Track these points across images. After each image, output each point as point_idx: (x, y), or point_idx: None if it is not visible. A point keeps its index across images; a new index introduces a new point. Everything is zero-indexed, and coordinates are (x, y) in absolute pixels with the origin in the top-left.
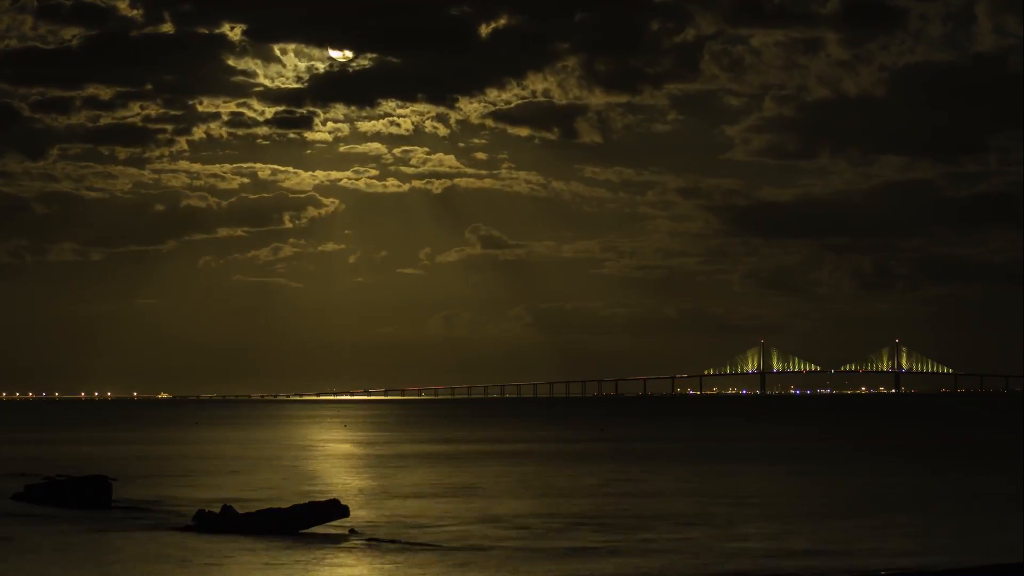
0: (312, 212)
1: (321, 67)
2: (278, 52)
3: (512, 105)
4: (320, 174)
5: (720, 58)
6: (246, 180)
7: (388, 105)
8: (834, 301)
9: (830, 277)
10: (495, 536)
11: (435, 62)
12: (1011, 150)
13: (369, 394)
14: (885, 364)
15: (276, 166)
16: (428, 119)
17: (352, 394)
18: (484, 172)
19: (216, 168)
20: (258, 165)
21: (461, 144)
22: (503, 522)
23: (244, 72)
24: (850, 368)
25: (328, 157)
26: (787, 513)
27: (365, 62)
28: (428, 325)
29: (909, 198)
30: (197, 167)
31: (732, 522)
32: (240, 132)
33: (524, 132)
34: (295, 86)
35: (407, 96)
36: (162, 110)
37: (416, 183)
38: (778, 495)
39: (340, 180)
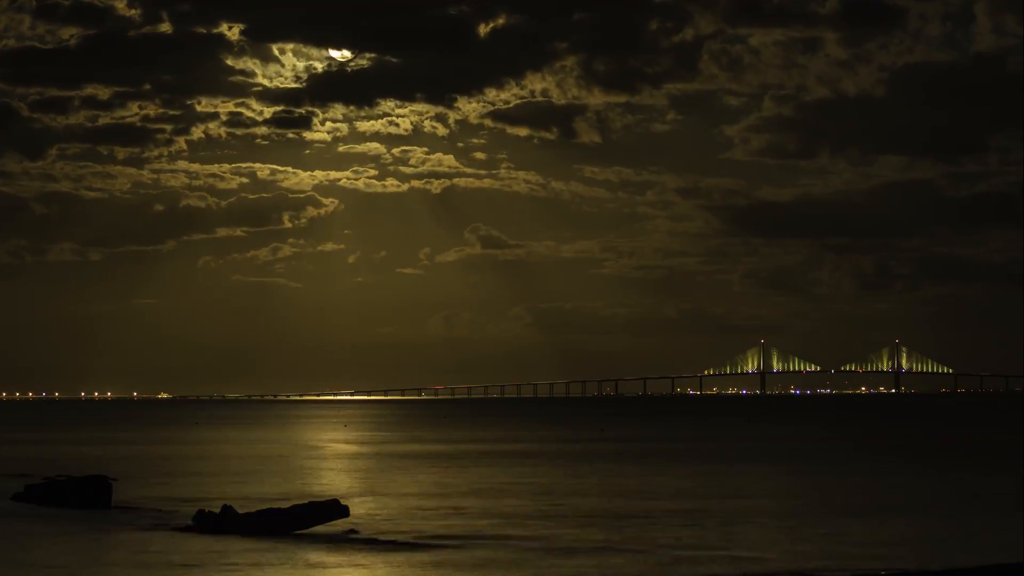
0: (311, 212)
1: (320, 67)
2: (276, 52)
3: (511, 105)
4: (319, 174)
5: (719, 58)
6: (245, 180)
7: (387, 105)
8: (834, 301)
9: (830, 277)
10: (495, 536)
11: (434, 62)
12: (1011, 150)
13: (369, 394)
14: (885, 364)
15: (275, 166)
16: (427, 119)
17: (352, 394)
18: (483, 172)
19: (215, 168)
20: (257, 165)
21: (460, 144)
22: (503, 522)
23: (243, 72)
24: (850, 368)
25: (327, 157)
26: (787, 513)
27: (364, 62)
28: (428, 325)
29: (909, 198)
30: (196, 167)
31: (732, 522)
32: (239, 132)
33: (523, 132)
34: (294, 86)
35: (406, 96)
36: (161, 110)
37: (415, 183)
38: (778, 495)
39: (339, 180)
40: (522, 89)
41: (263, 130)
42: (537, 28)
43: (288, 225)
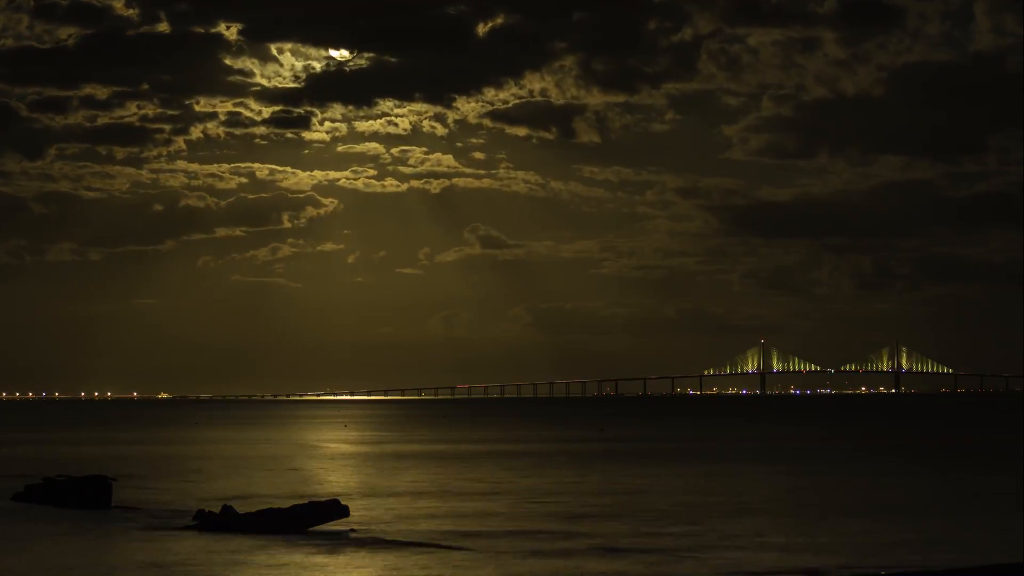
0: (311, 212)
1: (318, 66)
2: (275, 51)
3: (510, 105)
4: (318, 174)
5: (717, 57)
6: (244, 180)
7: (385, 105)
8: (834, 301)
9: (829, 277)
10: (495, 536)
11: (432, 61)
12: (1010, 150)
13: (369, 394)
14: (885, 364)
15: (274, 166)
16: (426, 119)
17: (352, 394)
18: (482, 172)
19: (214, 168)
20: (256, 165)
21: (459, 144)
22: (503, 522)
23: (241, 72)
24: (850, 368)
25: (326, 157)
26: (787, 513)
27: (362, 62)
28: (427, 325)
29: (908, 198)
30: (195, 167)
31: (732, 522)
32: (237, 132)
33: (522, 132)
34: (292, 86)
35: (404, 96)
36: (159, 110)
37: (414, 183)
38: (778, 495)
39: (338, 180)
40: (521, 89)
41: (262, 130)
42: (536, 28)
43: (287, 225)
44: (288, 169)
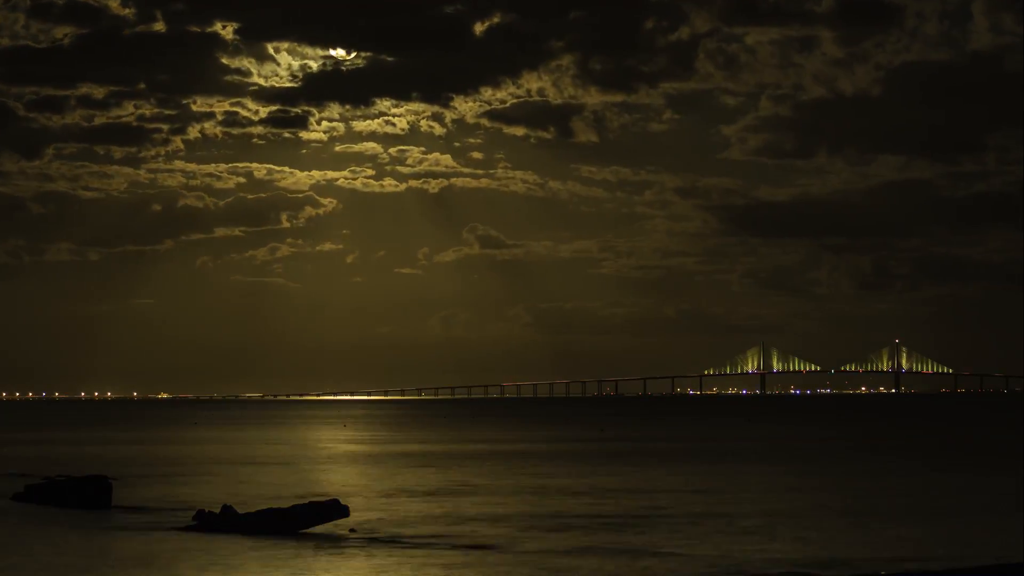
0: (309, 212)
1: (315, 66)
2: (272, 51)
3: (507, 104)
4: (316, 174)
5: (715, 56)
6: (242, 180)
7: (383, 104)
8: (833, 301)
9: (828, 277)
10: (495, 536)
11: (430, 61)
12: (1009, 149)
13: (369, 394)
14: (885, 364)
15: (272, 165)
16: (423, 118)
17: (352, 394)
18: (480, 172)
19: (212, 168)
20: (254, 165)
21: (457, 144)
22: (503, 522)
23: (238, 71)
24: (850, 368)
25: (324, 156)
26: (787, 513)
27: (359, 61)
28: (427, 325)
29: (907, 198)
30: (193, 167)
31: (732, 522)
32: (235, 131)
33: (520, 131)
34: (289, 85)
35: (402, 95)
36: (156, 109)
37: (413, 183)
38: (778, 495)
39: (337, 180)
40: (518, 88)
41: (259, 129)
42: (533, 27)
43: (286, 225)
44: (286, 169)
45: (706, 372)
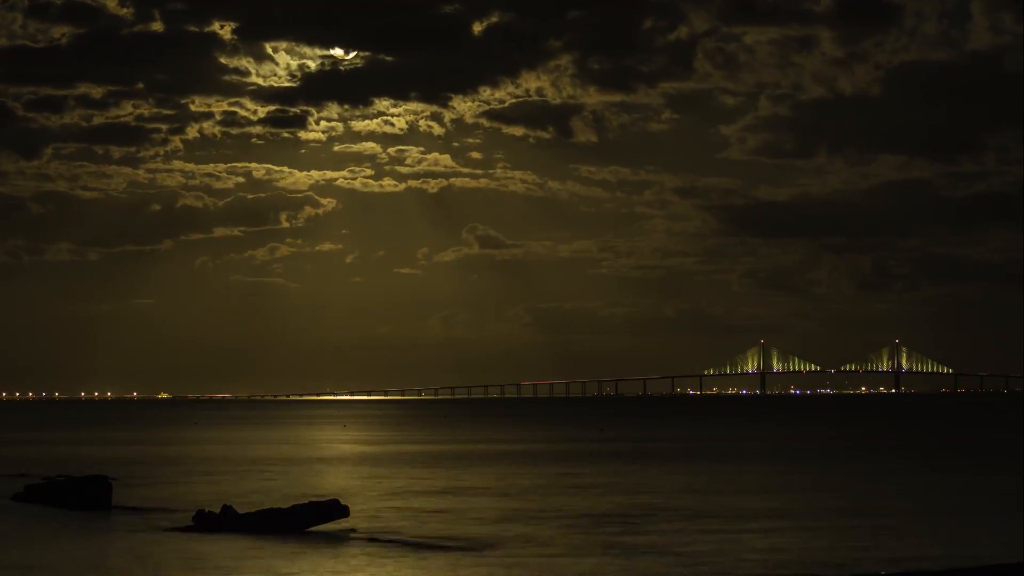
0: (309, 212)
1: (313, 66)
2: (270, 50)
3: (506, 104)
4: (315, 174)
5: (714, 56)
6: (241, 179)
7: (382, 104)
8: (833, 301)
9: (828, 277)
10: (495, 536)
11: (428, 60)
12: (1009, 149)
13: (369, 394)
14: (885, 364)
15: (271, 165)
16: (422, 118)
17: (352, 394)
18: (479, 172)
19: (211, 168)
20: (253, 164)
21: (456, 144)
22: (503, 522)
23: (236, 71)
24: (850, 368)
25: (323, 156)
26: (787, 513)
27: (358, 61)
28: (426, 325)
29: (907, 197)
30: (192, 167)
31: (732, 523)
32: (234, 131)
33: (519, 131)
34: (288, 85)
35: (400, 95)
36: (155, 109)
37: (412, 183)
38: (778, 495)
39: (336, 180)
40: (517, 88)
41: (258, 129)
42: (531, 27)
43: (285, 225)
44: (285, 169)
45: (706, 372)
